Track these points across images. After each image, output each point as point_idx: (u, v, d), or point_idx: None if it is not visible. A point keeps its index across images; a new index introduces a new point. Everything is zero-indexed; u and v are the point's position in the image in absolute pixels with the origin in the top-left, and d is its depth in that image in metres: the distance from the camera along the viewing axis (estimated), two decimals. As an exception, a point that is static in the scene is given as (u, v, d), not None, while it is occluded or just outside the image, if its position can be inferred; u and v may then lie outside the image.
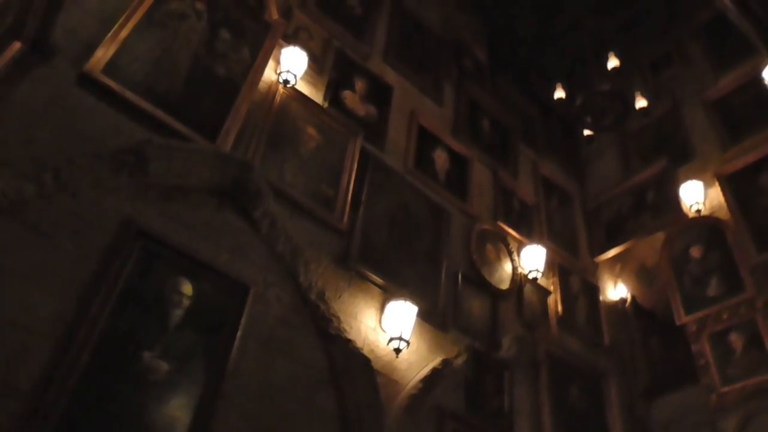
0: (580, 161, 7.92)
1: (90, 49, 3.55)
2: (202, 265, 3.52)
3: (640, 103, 5.24)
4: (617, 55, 5.06)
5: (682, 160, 6.62)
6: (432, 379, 4.33)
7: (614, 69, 4.97)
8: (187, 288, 3.40)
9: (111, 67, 3.58)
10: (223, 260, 3.67)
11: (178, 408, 3.05)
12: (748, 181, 5.92)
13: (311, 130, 4.79)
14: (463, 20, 7.53)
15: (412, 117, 5.84)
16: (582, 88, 5.27)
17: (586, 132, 5.49)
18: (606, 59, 5.21)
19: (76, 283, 2.97)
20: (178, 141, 3.72)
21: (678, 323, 5.78)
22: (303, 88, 4.90)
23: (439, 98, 6.38)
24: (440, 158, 5.88)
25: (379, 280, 4.48)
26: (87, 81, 3.48)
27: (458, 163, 6.03)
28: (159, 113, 3.69)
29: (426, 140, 5.84)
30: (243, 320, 3.54)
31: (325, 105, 5.01)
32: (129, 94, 3.59)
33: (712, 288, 5.70)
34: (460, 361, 4.64)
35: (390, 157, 5.33)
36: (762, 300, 5.28)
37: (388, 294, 4.45)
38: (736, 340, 5.32)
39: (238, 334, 3.48)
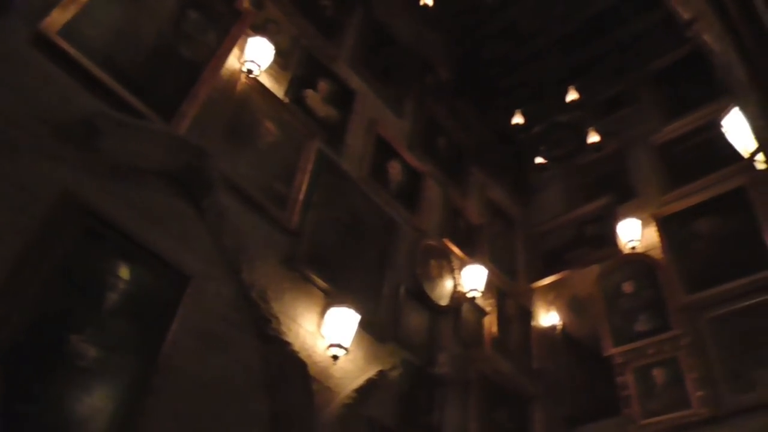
0: (527, 189, 8.10)
1: (48, 7, 3.33)
2: (143, 250, 3.34)
3: (593, 138, 5.40)
4: (577, 89, 5.20)
5: (624, 199, 6.86)
6: (367, 389, 4.27)
7: (573, 102, 5.09)
8: (125, 272, 3.22)
9: (68, 30, 3.37)
10: (165, 247, 3.50)
11: (103, 398, 2.87)
12: (683, 225, 6.19)
13: (269, 125, 4.68)
14: (431, 38, 7.59)
15: (371, 125, 5.81)
16: (540, 116, 5.39)
17: (539, 160, 5.61)
18: (566, 92, 5.35)
19: (6, 255, 2.75)
20: (133, 118, 3.54)
21: (605, 354, 5.96)
22: (265, 81, 4.79)
23: (400, 110, 6.38)
24: (394, 169, 5.87)
25: (323, 284, 4.40)
26: (41, 41, 3.25)
27: (411, 176, 6.04)
28: (116, 86, 3.50)
29: (382, 150, 5.82)
30: (180, 312, 3.39)
31: (287, 101, 4.92)
32: (85, 62, 3.39)
33: (641, 323, 5.91)
34: (395, 373, 4.61)
35: (345, 162, 5.28)
36: (686, 339, 5.50)
37: (330, 299, 4.38)
38: (658, 375, 5.53)
39: (174, 326, 3.32)
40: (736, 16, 1.68)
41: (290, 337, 3.95)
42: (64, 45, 3.34)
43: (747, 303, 5.37)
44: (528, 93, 7.33)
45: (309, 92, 5.24)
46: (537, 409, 5.94)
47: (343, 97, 5.63)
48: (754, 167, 5.83)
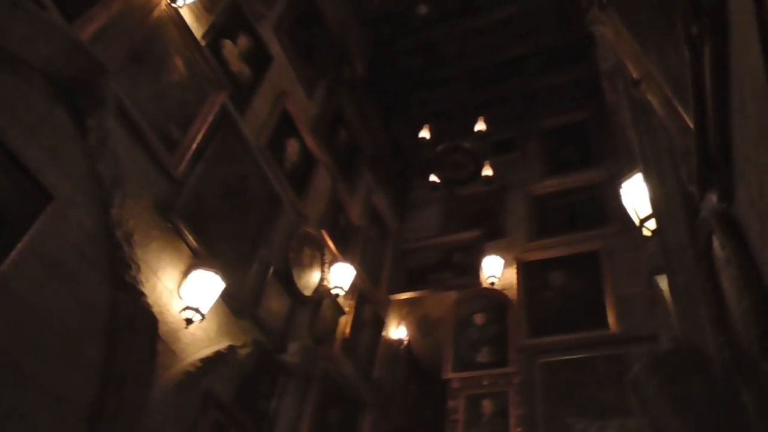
0: (407, 204, 8.26)
1: None
2: (7, 154, 2.90)
3: (487, 171, 5.61)
4: (485, 121, 5.38)
5: (494, 236, 7.21)
6: (212, 361, 4.04)
7: (479, 132, 5.26)
8: (-22, 170, 2.77)
9: None
10: (32, 157, 3.06)
11: None
12: (539, 273, 6.63)
13: (179, 62, 4.33)
14: (357, 31, 7.52)
15: (280, 97, 5.60)
16: (444, 137, 5.51)
17: (433, 178, 5.72)
18: (472, 120, 5.52)
19: None
20: (33, 3, 3.08)
21: (444, 377, 6.18)
22: (186, 15, 4.44)
23: (311, 92, 6.23)
24: (292, 148, 5.70)
25: (193, 243, 4.11)
26: None
27: (306, 160, 5.90)
28: (21, -40, 3.03)
29: (285, 125, 5.64)
30: (32, 232, 2.97)
31: (203, 43, 4.58)
32: None
33: (482, 355, 6.22)
34: (244, 352, 4.41)
35: (246, 126, 5.03)
36: (519, 378, 5.86)
37: (198, 260, 4.10)
38: (487, 406, 5.82)
39: (21, 245, 2.91)
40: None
41: (146, 289, 3.63)
42: None
43: (574, 356, 5.84)
44: (435, 112, 7.50)
45: (227, 43, 4.94)
46: (368, 416, 5.99)
47: (260, 60, 5.38)
48: (610, 235, 6.43)
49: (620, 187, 3.16)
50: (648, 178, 2.59)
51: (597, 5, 2.57)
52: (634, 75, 2.22)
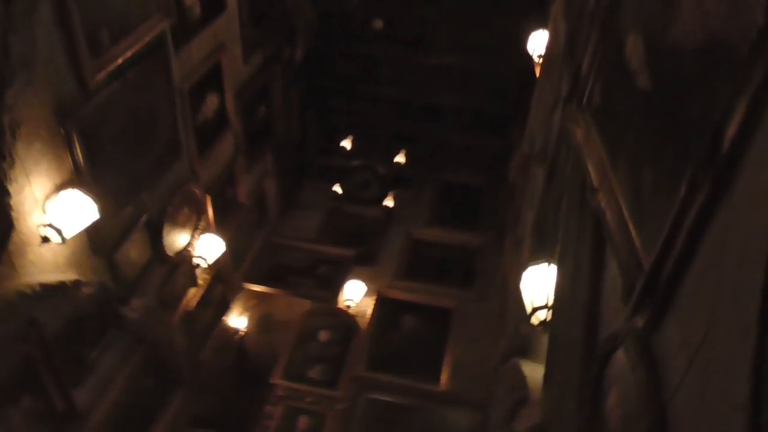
0: (295, 201, 8.09)
1: None
2: None
3: (389, 202, 5.70)
4: (406, 155, 5.48)
5: (365, 262, 7.25)
6: (52, 290, 3.64)
7: (397, 163, 5.34)
8: None
9: None
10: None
11: None
12: (394, 312, 6.77)
13: (136, -30, 3.96)
14: (309, 18, 7.38)
15: (219, 47, 5.32)
16: (361, 153, 5.53)
17: (337, 188, 5.70)
18: (391, 147, 5.61)
19: None
20: None
21: (271, 381, 6.06)
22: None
23: (248, 57, 6.00)
24: (211, 103, 5.41)
25: (80, 159, 3.69)
26: None
27: (219, 120, 5.62)
28: None
29: (213, 78, 5.35)
30: None
31: (163, -40, 4.24)
32: None
33: (316, 371, 6.19)
34: (87, 291, 4.03)
35: (177, 64, 4.69)
36: (342, 405, 5.90)
37: (79, 179, 3.70)
38: (303, 422, 5.80)
39: None
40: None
41: (12, 189, 3.20)
42: None
43: (400, 401, 5.99)
44: (354, 124, 7.49)
45: (189, -28, 4.61)
46: (181, 394, 5.68)
47: (214, 4, 5.10)
48: (468, 300, 6.75)
49: (522, 270, 3.32)
50: (562, 273, 2.75)
51: (576, 105, 2.74)
52: (594, 182, 2.37)
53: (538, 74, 5.10)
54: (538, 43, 5.02)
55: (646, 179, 1.99)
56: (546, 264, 3.11)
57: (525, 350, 3.56)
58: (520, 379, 3.18)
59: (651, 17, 2.15)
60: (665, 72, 2.01)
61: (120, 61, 3.88)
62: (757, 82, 1.41)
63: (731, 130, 1.49)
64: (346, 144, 5.42)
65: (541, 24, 5.01)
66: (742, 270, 1.36)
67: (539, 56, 5.07)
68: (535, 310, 3.01)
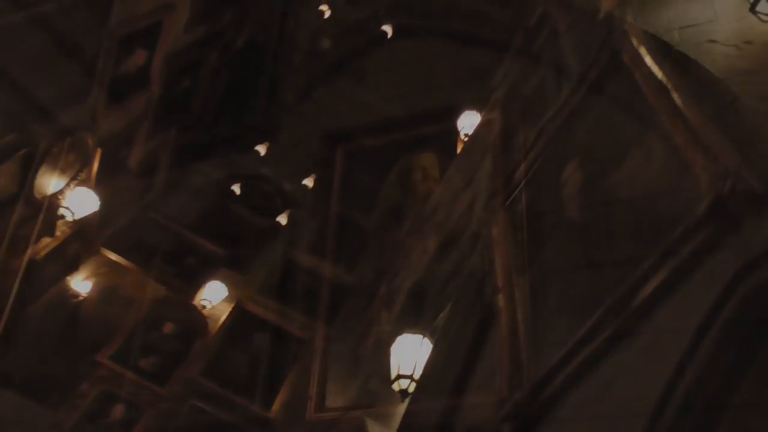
0: (178, 178, 7.66)
1: None
2: None
3: (282, 219, 5.62)
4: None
5: (234, 265, 6.99)
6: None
7: (304, 186, 5.30)
8: None
9: None
10: None
11: None
12: (247, 326, 6.54)
13: None
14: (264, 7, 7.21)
15: (166, 8, 5.14)
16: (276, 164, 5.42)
17: (235, 188, 5.54)
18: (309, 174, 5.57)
19: None
20: None
21: (97, 358, 5.64)
22: None
23: (191, 27, 5.81)
24: (138, 59, 5.21)
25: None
26: None
27: (139, 78, 5.36)
28: None
29: (149, 34, 5.12)
30: None
31: None
32: None
33: (148, 363, 5.85)
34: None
35: (119, 4, 4.41)
36: (164, 406, 5.58)
37: None
38: (117, 410, 5.43)
39: None
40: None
41: None
42: None
43: (222, 418, 5.76)
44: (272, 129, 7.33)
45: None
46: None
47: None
48: (333, 339, 6.70)
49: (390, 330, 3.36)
50: (437, 351, 2.82)
51: (501, 202, 2.87)
52: (498, 281, 2.49)
53: (458, 151, 5.34)
54: (468, 123, 5.26)
55: (552, 300, 2.11)
56: (420, 336, 3.17)
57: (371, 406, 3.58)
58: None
59: (599, 154, 2.33)
60: (596, 207, 2.16)
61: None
62: (686, 255, 1.55)
63: (647, 289, 1.63)
64: (261, 149, 5.29)
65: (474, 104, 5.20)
66: (622, 421, 1.47)
67: (465, 135, 5.30)
68: (399, 377, 3.05)
